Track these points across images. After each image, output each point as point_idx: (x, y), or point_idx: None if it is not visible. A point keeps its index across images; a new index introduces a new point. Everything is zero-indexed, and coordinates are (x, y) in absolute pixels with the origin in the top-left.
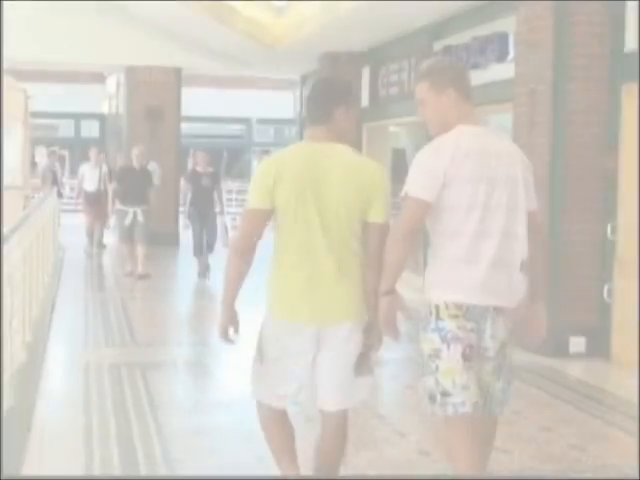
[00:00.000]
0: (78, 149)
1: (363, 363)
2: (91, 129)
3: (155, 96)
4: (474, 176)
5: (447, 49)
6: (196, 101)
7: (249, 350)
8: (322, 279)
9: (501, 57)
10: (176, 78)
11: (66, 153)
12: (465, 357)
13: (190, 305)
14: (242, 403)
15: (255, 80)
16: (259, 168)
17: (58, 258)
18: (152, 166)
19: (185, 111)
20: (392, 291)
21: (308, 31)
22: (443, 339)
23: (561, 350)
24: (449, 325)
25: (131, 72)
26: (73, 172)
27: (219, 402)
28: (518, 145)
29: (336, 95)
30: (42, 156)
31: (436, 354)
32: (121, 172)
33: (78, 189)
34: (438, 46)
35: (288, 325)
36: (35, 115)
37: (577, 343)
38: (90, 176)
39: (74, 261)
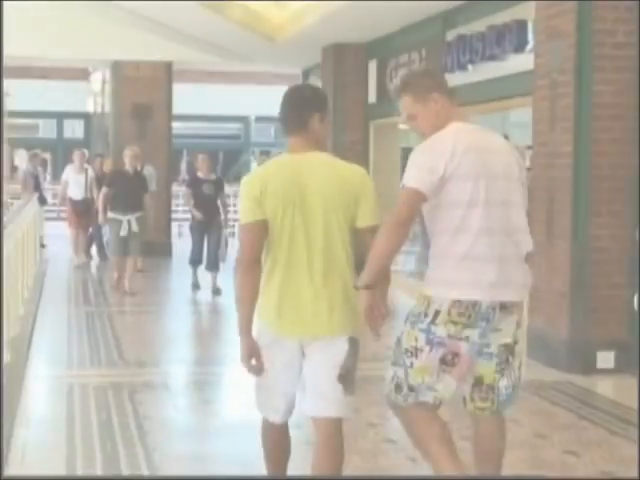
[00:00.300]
0: (61, 151)
1: (347, 378)
2: (75, 129)
3: (143, 93)
4: (474, 172)
5: (460, 39)
6: (188, 98)
7: (237, 371)
8: (307, 292)
9: (520, 47)
10: (166, 73)
11: (48, 156)
12: (443, 361)
13: (183, 321)
14: (239, 428)
15: (253, 75)
16: (243, 186)
17: (40, 270)
18: (148, 170)
19: (176, 109)
20: (374, 285)
21: (310, 21)
22: (428, 341)
23: (588, 366)
24: (440, 332)
25: (117, 67)
26: (56, 177)
27: (214, 427)
28: (538, 142)
29: (309, 102)
30: (22, 159)
31: (414, 352)
32: (112, 176)
33: (62, 196)
34: (451, 36)
35: (274, 337)
36: (13, 115)
37: (605, 358)
38: (75, 181)
39: (58, 273)
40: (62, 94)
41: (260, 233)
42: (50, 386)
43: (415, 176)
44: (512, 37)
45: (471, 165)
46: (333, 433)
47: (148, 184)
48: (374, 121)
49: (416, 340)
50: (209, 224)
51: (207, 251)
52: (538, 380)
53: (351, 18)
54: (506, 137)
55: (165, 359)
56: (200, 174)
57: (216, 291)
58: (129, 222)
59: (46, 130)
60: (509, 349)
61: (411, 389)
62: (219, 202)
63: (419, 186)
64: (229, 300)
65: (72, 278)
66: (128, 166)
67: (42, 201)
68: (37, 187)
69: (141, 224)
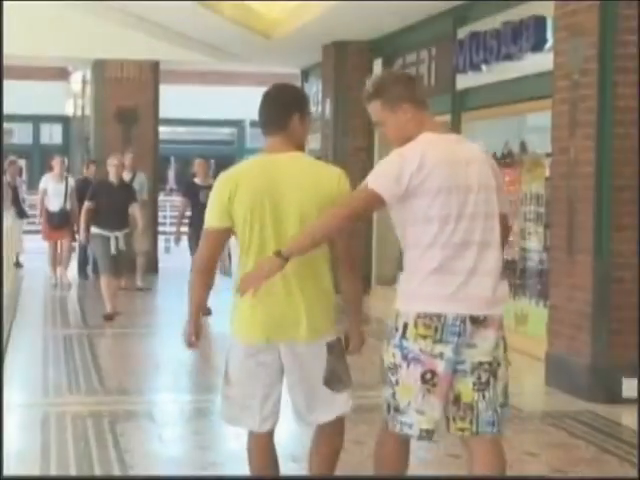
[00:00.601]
0: (37, 158)
1: (334, 380)
2: (52, 134)
3: (128, 95)
4: (445, 186)
5: (473, 36)
6: (177, 101)
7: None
8: (281, 299)
9: (538, 45)
10: (153, 74)
11: (23, 163)
12: (424, 380)
13: (170, 345)
14: (230, 462)
15: (247, 75)
16: (216, 184)
17: (14, 288)
18: (140, 178)
19: (164, 113)
20: (288, 258)
21: (310, 17)
22: (404, 357)
23: (612, 394)
24: (412, 346)
25: (99, 67)
26: (31, 186)
27: (203, 461)
28: (558, 149)
29: (290, 103)
30: None
31: (394, 369)
32: (96, 188)
33: (40, 207)
34: (463, 33)
35: (252, 348)
36: None
37: (631, 386)
38: (54, 192)
39: (33, 292)
40: (39, 96)
41: (222, 240)
42: (23, 415)
43: (382, 181)
44: (530, 35)
45: (442, 179)
46: (337, 428)
47: (139, 193)
48: (379, 126)
49: (393, 356)
50: None
51: None
52: (557, 410)
53: (354, 14)
54: (523, 144)
55: (150, 386)
56: (197, 180)
57: (206, 310)
58: (116, 239)
59: (21, 135)
60: (491, 370)
61: (397, 410)
62: None
63: (383, 192)
64: (220, 321)
65: (49, 297)
66: (113, 177)
67: (21, 214)
68: (15, 199)
69: (128, 242)
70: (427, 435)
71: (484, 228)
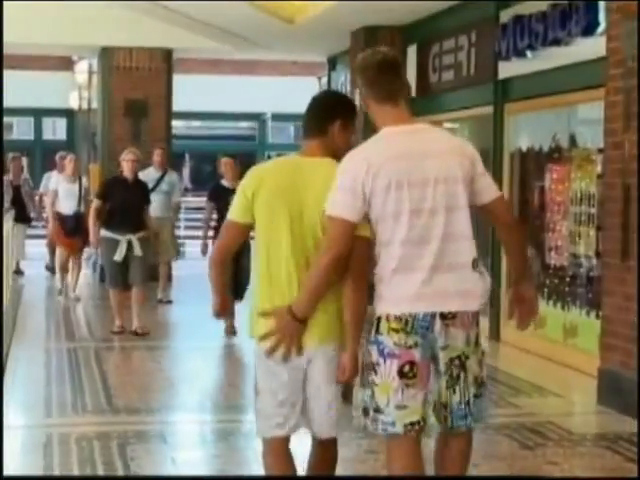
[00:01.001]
0: (39, 155)
1: (347, 393)
2: (56, 129)
3: (138, 86)
4: (395, 180)
5: (518, 20)
6: (192, 92)
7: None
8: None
9: (589, 29)
10: (165, 63)
11: (24, 160)
12: (402, 374)
13: (185, 361)
14: None
15: (269, 64)
16: (243, 180)
17: (13, 298)
18: (170, 177)
19: (177, 105)
20: (304, 318)
21: (336, 1)
22: (380, 353)
23: None
24: (386, 340)
25: (106, 55)
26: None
27: None
28: (611, 144)
29: (333, 108)
30: None
31: (372, 368)
32: (108, 186)
33: (51, 211)
34: (506, 16)
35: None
36: None
37: None
38: (66, 193)
39: (35, 301)
40: (41, 87)
41: (241, 234)
42: (24, 437)
43: (341, 202)
44: (579, 18)
45: (392, 174)
46: (332, 447)
47: (169, 194)
48: (414, 119)
49: (370, 354)
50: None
51: (236, 277)
52: (611, 431)
53: None
54: (572, 138)
55: (162, 405)
56: (225, 182)
57: (232, 330)
58: (129, 243)
59: (21, 130)
60: (460, 365)
61: (377, 410)
62: None
63: (348, 216)
64: (243, 341)
65: (52, 307)
66: (127, 173)
67: (25, 218)
68: (17, 200)
69: (145, 246)
70: (413, 427)
71: (447, 222)
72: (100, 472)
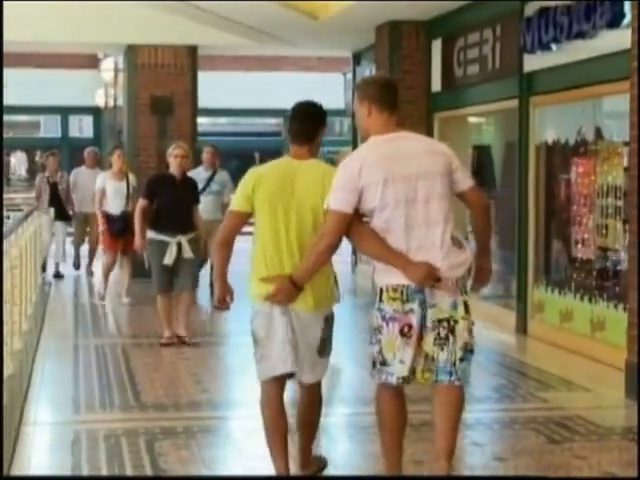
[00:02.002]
0: (66, 152)
1: (325, 346)
2: (82, 127)
3: (163, 83)
4: (383, 177)
5: (542, 13)
6: (217, 89)
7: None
8: (293, 269)
9: (614, 22)
10: (190, 60)
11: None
12: (403, 334)
13: (213, 357)
14: None
15: (294, 60)
16: (245, 177)
17: (42, 295)
18: (221, 176)
19: (202, 102)
20: (301, 287)
21: None
22: (383, 318)
23: None
24: (387, 307)
25: (132, 53)
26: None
27: None
28: (636, 135)
29: (319, 118)
30: (21, 162)
31: (379, 329)
32: (154, 184)
33: (99, 211)
34: (530, 9)
35: (265, 308)
36: (10, 110)
37: None
38: (115, 192)
39: (63, 299)
40: (67, 85)
41: (241, 221)
42: (52, 434)
43: (339, 198)
44: (605, 10)
45: (382, 172)
46: (316, 391)
47: (220, 195)
48: (439, 113)
49: (376, 319)
50: None
51: None
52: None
53: None
54: (598, 131)
55: (190, 401)
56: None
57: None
58: (179, 245)
59: (49, 128)
60: (449, 327)
61: (383, 363)
62: None
63: (344, 208)
64: None
65: (80, 305)
66: (175, 169)
67: (63, 216)
68: (55, 198)
69: (195, 249)
70: (404, 381)
71: (428, 209)
72: (128, 469)
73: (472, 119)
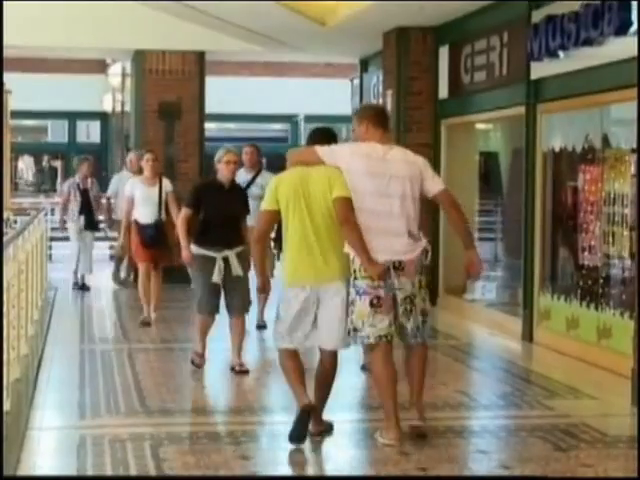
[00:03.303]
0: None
1: (345, 319)
2: (90, 132)
3: (171, 89)
4: (367, 171)
5: (550, 20)
6: (224, 94)
7: (281, 425)
8: (315, 255)
9: (622, 29)
10: (198, 65)
11: (58, 163)
12: (372, 305)
13: (218, 361)
14: None
15: (301, 66)
16: (270, 183)
17: (47, 300)
18: (264, 179)
19: (210, 107)
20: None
21: (368, 1)
22: (357, 293)
23: None
24: (361, 283)
25: (140, 58)
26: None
27: None
28: None
29: (329, 139)
30: (28, 167)
31: (353, 303)
32: (201, 192)
33: (127, 219)
34: (538, 16)
35: (295, 289)
36: (17, 115)
37: None
38: (145, 199)
39: (68, 303)
40: (75, 90)
41: (273, 219)
42: (58, 438)
43: (347, 189)
44: (612, 17)
45: (365, 164)
46: (334, 357)
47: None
48: (446, 120)
49: (351, 294)
50: None
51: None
52: None
53: None
54: (605, 138)
55: (195, 407)
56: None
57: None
58: (226, 261)
59: (56, 133)
60: (411, 302)
61: (355, 330)
62: None
63: (349, 195)
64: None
65: (85, 309)
66: (224, 177)
67: (93, 225)
68: (86, 206)
69: (244, 265)
70: (381, 339)
71: (399, 205)
72: (133, 474)
73: (479, 126)
